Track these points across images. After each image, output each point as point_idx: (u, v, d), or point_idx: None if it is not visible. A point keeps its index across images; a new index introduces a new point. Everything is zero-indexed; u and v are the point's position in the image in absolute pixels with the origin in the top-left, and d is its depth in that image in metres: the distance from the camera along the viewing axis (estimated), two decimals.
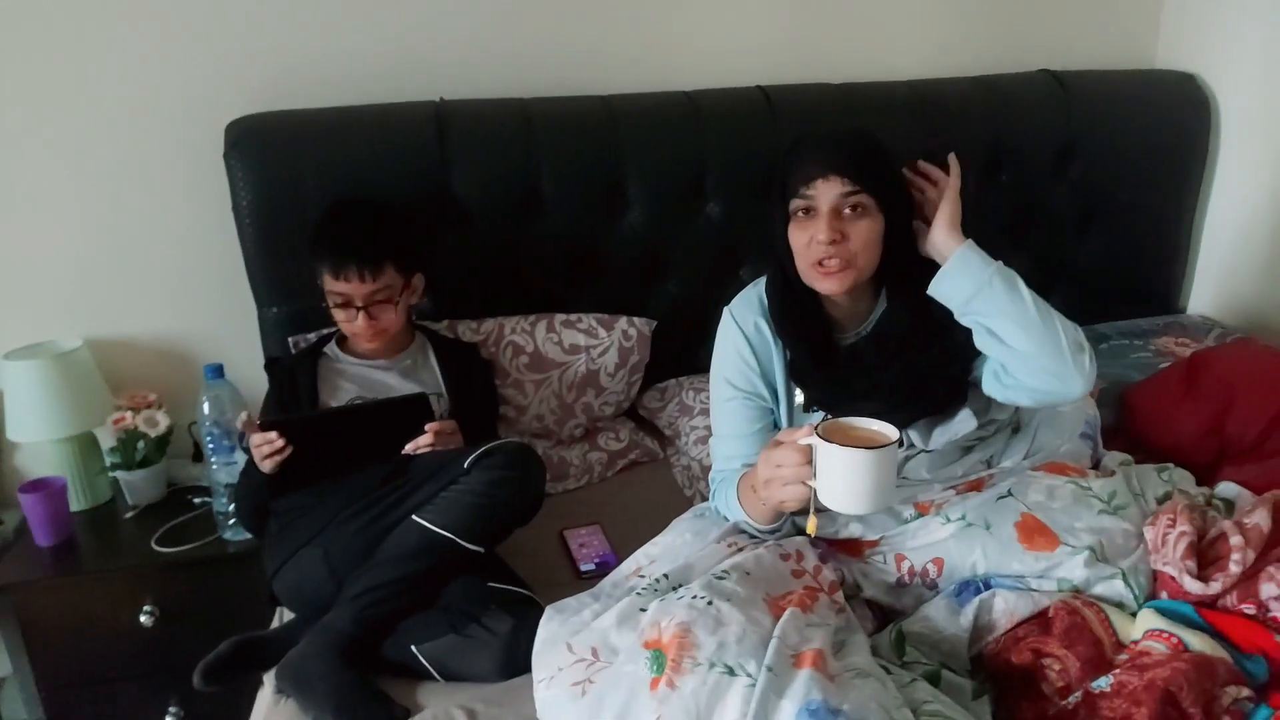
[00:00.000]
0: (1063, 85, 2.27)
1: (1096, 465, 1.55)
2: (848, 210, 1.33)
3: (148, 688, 1.89)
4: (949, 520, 1.36)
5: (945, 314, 1.34)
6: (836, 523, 1.40)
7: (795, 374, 1.44)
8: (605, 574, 1.49)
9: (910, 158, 1.42)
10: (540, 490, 1.56)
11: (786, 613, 1.18)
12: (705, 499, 1.83)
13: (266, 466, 1.54)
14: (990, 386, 1.36)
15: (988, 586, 1.32)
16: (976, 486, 1.43)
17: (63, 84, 1.90)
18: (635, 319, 2.06)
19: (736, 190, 2.08)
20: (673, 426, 2.06)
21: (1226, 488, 1.50)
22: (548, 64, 2.10)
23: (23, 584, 1.81)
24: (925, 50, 2.32)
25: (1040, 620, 1.26)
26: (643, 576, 1.39)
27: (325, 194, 1.83)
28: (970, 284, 1.29)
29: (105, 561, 1.86)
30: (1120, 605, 1.29)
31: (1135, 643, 1.21)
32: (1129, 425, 1.81)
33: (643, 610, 1.23)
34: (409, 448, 1.58)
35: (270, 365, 1.82)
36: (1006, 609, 1.28)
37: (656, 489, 1.96)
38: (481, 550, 1.48)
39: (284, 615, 1.63)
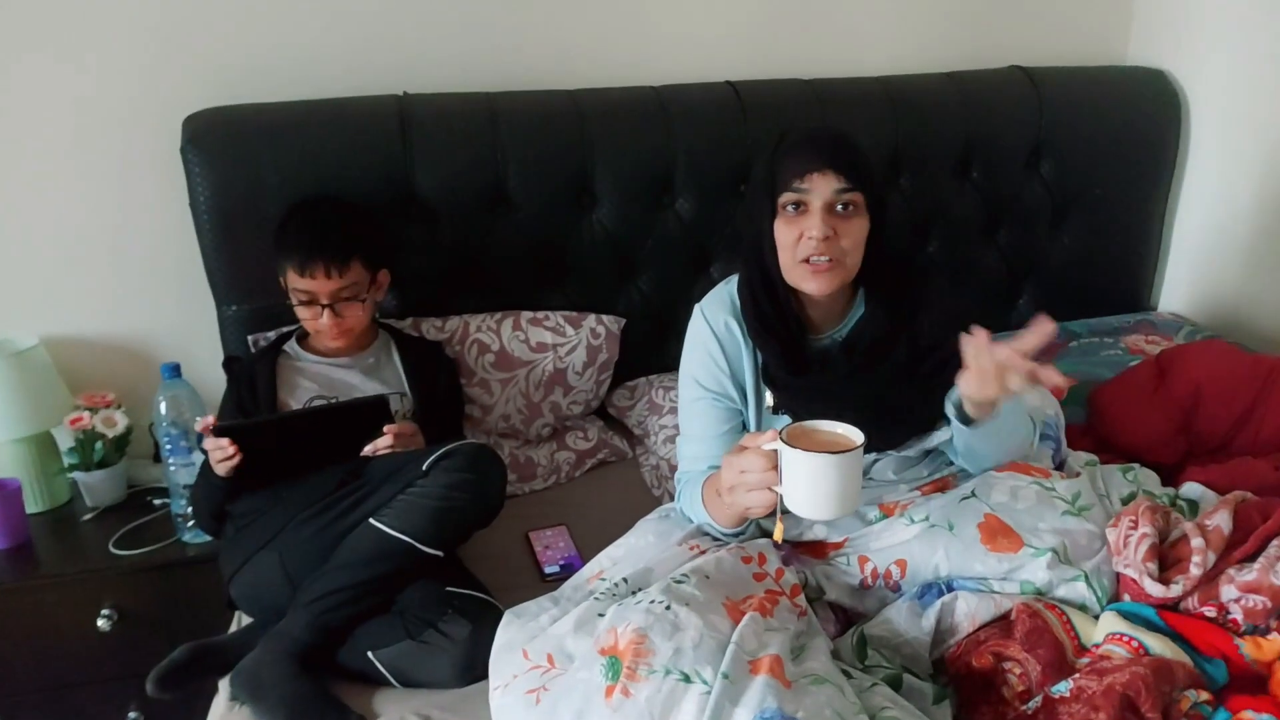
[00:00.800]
0: (1034, 82, 2.25)
1: (1060, 466, 1.55)
2: (840, 207, 1.31)
3: (106, 693, 1.85)
4: (913, 521, 1.35)
5: (921, 320, 1.34)
6: (801, 525, 1.39)
7: (766, 376, 1.41)
8: (569, 576, 1.47)
9: (879, 153, 1.42)
10: (500, 492, 1.53)
11: (745, 617, 1.17)
12: (672, 497, 1.82)
13: (222, 470, 1.51)
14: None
15: (950, 589, 1.31)
16: (941, 486, 1.42)
17: (13, 77, 1.86)
18: (604, 317, 2.04)
19: (706, 187, 2.06)
20: (642, 425, 2.04)
21: (1191, 488, 1.49)
22: (513, 58, 2.07)
23: None
24: (896, 46, 2.30)
25: (1002, 623, 1.25)
26: (604, 579, 1.37)
27: (285, 190, 1.79)
28: (979, 437, 1.33)
29: (62, 564, 1.83)
30: (1083, 607, 1.28)
31: (1097, 646, 1.21)
32: (1097, 424, 1.81)
33: (600, 615, 1.21)
34: (368, 449, 1.55)
35: (229, 364, 1.79)
36: (968, 612, 1.27)
37: (625, 489, 1.94)
38: (440, 554, 1.46)
39: (242, 619, 1.61)
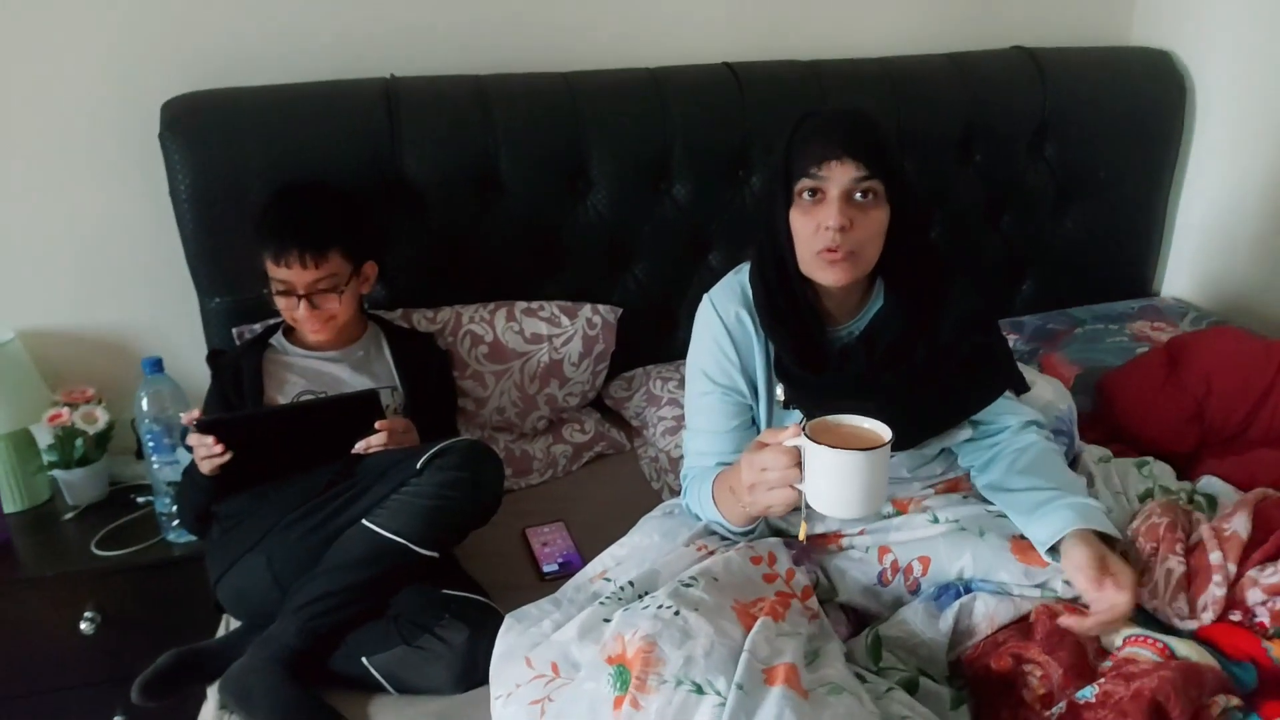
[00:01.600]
0: (1037, 63, 2.21)
1: (1074, 461, 1.51)
2: (859, 196, 1.24)
3: (89, 699, 1.80)
4: (940, 521, 1.31)
5: (942, 319, 1.29)
6: (816, 520, 1.34)
7: (780, 370, 1.36)
8: (569, 575, 1.42)
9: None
10: (498, 490, 1.48)
11: (758, 623, 1.12)
12: (673, 492, 1.78)
13: (206, 469, 1.46)
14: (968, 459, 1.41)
15: (968, 590, 1.27)
16: (954, 486, 1.38)
17: None
18: (600, 306, 1.98)
19: (704, 171, 2.01)
20: (640, 417, 1.99)
21: (1208, 483, 1.46)
22: (504, 38, 2.01)
23: None
24: (896, 26, 2.25)
25: (1021, 625, 1.22)
26: (608, 580, 1.32)
27: (268, 177, 1.73)
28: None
29: (43, 566, 1.77)
30: None
31: (1118, 649, 1.17)
32: (1107, 412, 1.77)
33: (606, 621, 1.16)
34: (359, 446, 1.50)
35: (213, 358, 1.73)
36: (987, 613, 1.23)
37: (623, 483, 1.90)
38: (435, 555, 1.41)
39: (231, 623, 1.56)
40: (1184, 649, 1.12)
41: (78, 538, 1.83)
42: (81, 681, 1.79)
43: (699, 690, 1.02)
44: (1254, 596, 1.18)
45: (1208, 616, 1.19)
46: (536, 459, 1.92)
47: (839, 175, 1.23)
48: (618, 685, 1.05)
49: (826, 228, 1.23)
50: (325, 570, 1.38)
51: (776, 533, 1.38)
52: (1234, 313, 2.25)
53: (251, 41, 1.88)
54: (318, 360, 1.70)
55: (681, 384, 1.94)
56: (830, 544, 1.36)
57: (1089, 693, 1.08)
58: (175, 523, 1.77)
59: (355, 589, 1.37)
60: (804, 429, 1.08)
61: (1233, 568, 1.21)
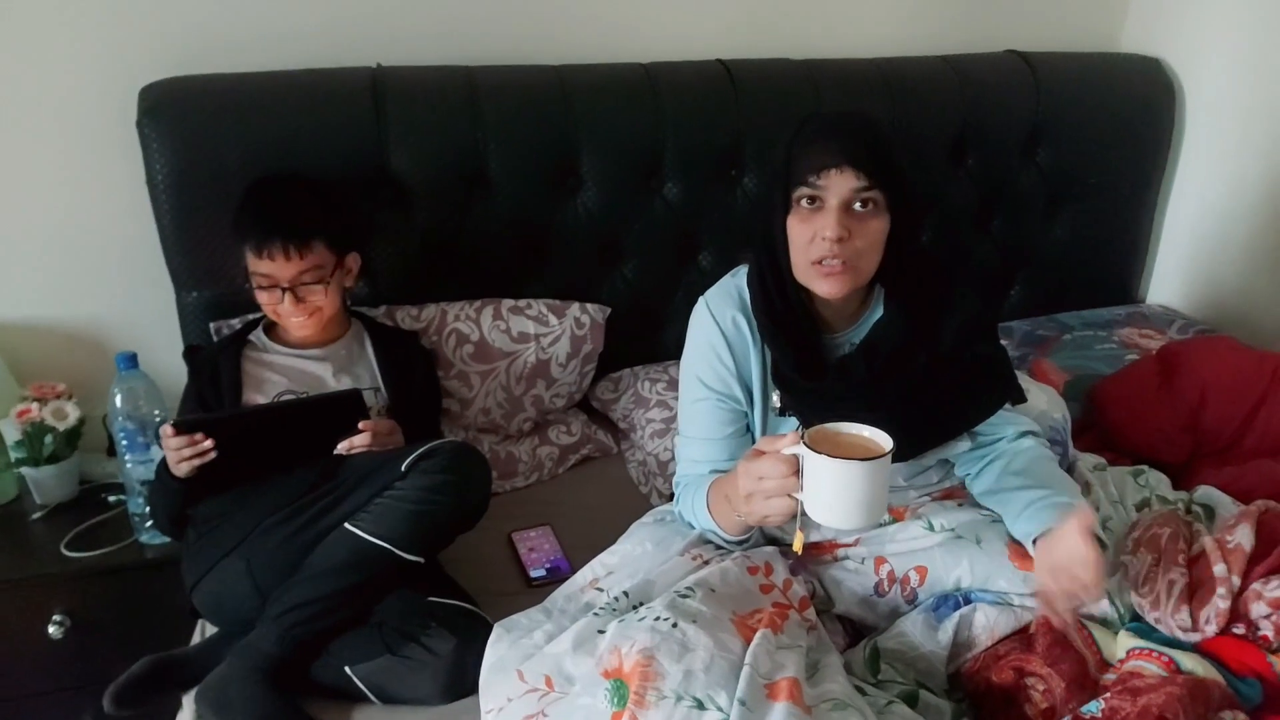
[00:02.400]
0: (1031, 66, 2.20)
1: (1070, 470, 1.49)
2: (857, 206, 1.21)
3: (58, 706, 1.74)
4: (935, 529, 1.29)
5: (943, 328, 1.27)
6: (813, 529, 1.32)
7: (777, 377, 1.33)
8: (557, 580, 1.39)
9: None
10: (485, 494, 1.44)
11: (757, 635, 1.09)
12: (662, 495, 1.75)
13: (182, 470, 1.41)
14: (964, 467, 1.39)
15: (968, 601, 1.24)
16: (950, 494, 1.36)
17: None
18: (588, 305, 1.94)
19: (696, 170, 1.97)
20: (627, 419, 1.96)
21: (1206, 493, 1.45)
22: (495, 29, 1.97)
23: None
24: (891, 27, 2.23)
25: (1022, 636, 1.20)
26: (600, 590, 1.29)
27: (249, 167, 1.68)
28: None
29: (9, 567, 1.70)
30: (1104, 622, 1.23)
31: (1121, 661, 1.15)
32: (1100, 420, 1.76)
33: (601, 633, 1.13)
34: (342, 447, 1.45)
35: (190, 354, 1.68)
36: (987, 624, 1.21)
37: (610, 486, 1.87)
38: (420, 561, 1.37)
39: (207, 629, 1.51)
40: (1189, 663, 1.11)
41: (46, 538, 1.77)
42: (50, 688, 1.74)
43: (700, 706, 1.00)
44: (1258, 610, 1.17)
45: (1211, 629, 1.18)
46: (522, 461, 1.89)
47: (838, 185, 1.20)
48: (615, 700, 1.02)
49: (823, 238, 1.20)
50: (307, 576, 1.34)
51: (771, 541, 1.35)
52: (1220, 321, 2.25)
53: (235, 25, 1.83)
54: (299, 359, 1.65)
55: (670, 386, 1.92)
56: (825, 554, 1.33)
57: (1094, 707, 1.06)
58: (148, 524, 1.72)
59: (338, 595, 1.33)
60: (803, 437, 1.05)
61: (1237, 580, 1.19)
